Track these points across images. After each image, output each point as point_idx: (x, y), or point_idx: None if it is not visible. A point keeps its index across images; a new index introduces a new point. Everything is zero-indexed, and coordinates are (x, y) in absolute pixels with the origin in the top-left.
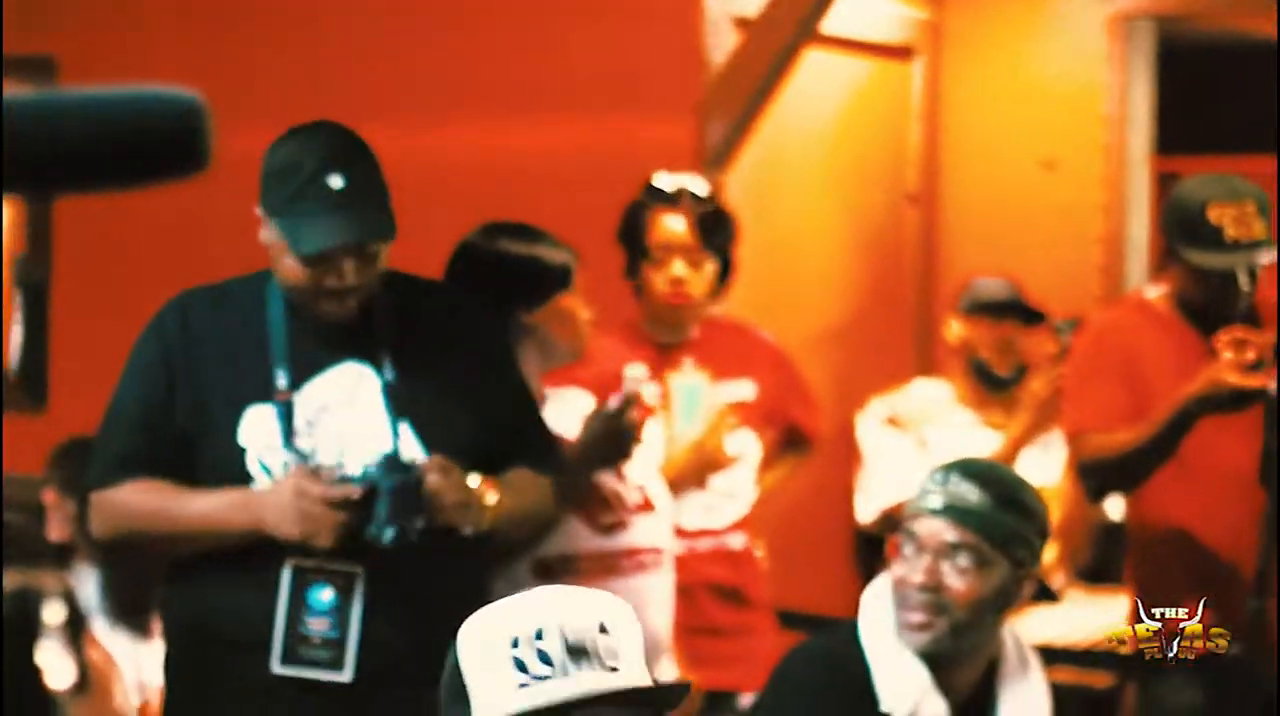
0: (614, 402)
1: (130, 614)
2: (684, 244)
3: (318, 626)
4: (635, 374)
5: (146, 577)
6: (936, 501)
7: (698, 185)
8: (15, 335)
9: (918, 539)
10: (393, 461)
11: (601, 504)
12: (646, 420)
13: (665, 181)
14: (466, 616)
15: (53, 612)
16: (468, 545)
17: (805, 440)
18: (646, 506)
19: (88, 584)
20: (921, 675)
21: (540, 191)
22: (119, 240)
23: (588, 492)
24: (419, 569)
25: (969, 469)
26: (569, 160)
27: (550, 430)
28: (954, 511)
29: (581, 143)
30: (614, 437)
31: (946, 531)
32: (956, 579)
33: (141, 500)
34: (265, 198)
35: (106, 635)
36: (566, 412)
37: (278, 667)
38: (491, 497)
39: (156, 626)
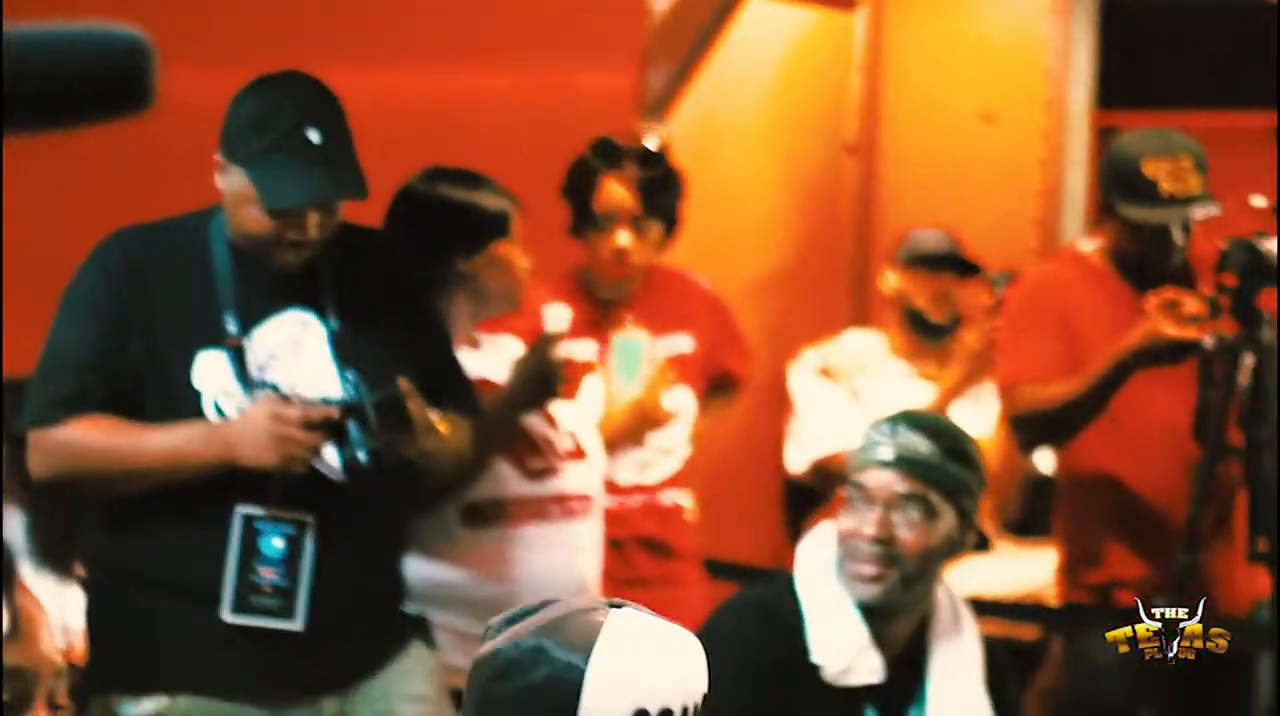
0: (536, 343)
1: (55, 557)
2: (629, 211)
3: (268, 575)
4: (556, 313)
5: (73, 520)
6: (887, 453)
7: (647, 145)
8: None
9: (867, 491)
10: (370, 381)
11: (531, 449)
12: (569, 360)
13: (612, 143)
14: (402, 563)
15: None
16: (409, 486)
17: (733, 384)
18: (577, 453)
19: (12, 526)
20: (859, 630)
21: (482, 137)
22: (54, 177)
23: (517, 437)
24: (367, 516)
25: (916, 421)
26: (511, 106)
27: (468, 376)
28: (904, 462)
29: (524, 89)
30: (538, 378)
31: (897, 483)
32: (907, 530)
33: (93, 437)
34: (233, 146)
35: (31, 578)
36: (499, 359)
37: (228, 616)
38: (443, 427)
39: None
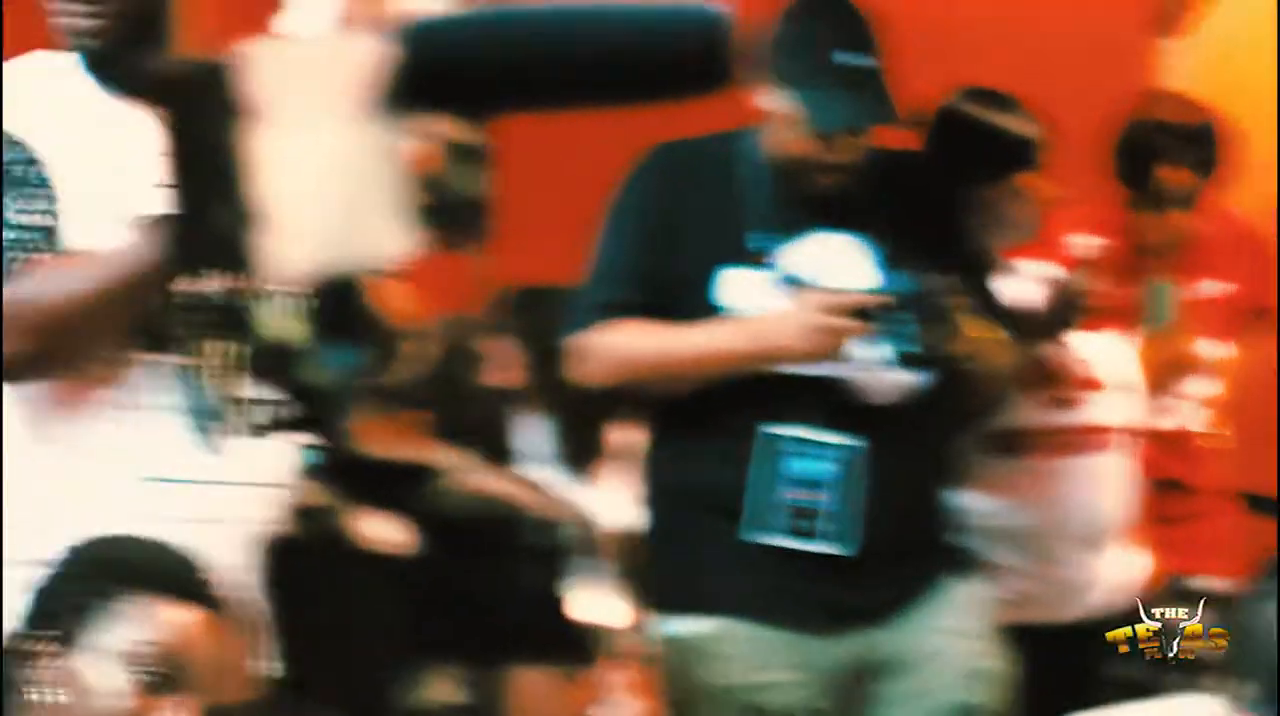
0: (1062, 270)
1: (577, 460)
2: (1191, 192)
3: (813, 498)
4: (1084, 242)
5: (593, 425)
6: None
7: (1204, 121)
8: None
9: None
10: (909, 275)
11: (1052, 378)
12: (1094, 291)
13: (1173, 128)
14: (945, 491)
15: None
16: (951, 409)
17: (1270, 315)
18: (1099, 384)
19: (530, 433)
20: None
21: (997, 55)
22: None
23: (1038, 365)
24: (913, 441)
25: None
26: (1023, 22)
27: (1006, 301)
28: None
29: (1035, 5)
30: (1061, 307)
31: None
32: None
33: (630, 339)
34: (776, 66)
35: (559, 482)
36: (1019, 285)
37: (769, 538)
38: (988, 332)
39: (599, 471)
